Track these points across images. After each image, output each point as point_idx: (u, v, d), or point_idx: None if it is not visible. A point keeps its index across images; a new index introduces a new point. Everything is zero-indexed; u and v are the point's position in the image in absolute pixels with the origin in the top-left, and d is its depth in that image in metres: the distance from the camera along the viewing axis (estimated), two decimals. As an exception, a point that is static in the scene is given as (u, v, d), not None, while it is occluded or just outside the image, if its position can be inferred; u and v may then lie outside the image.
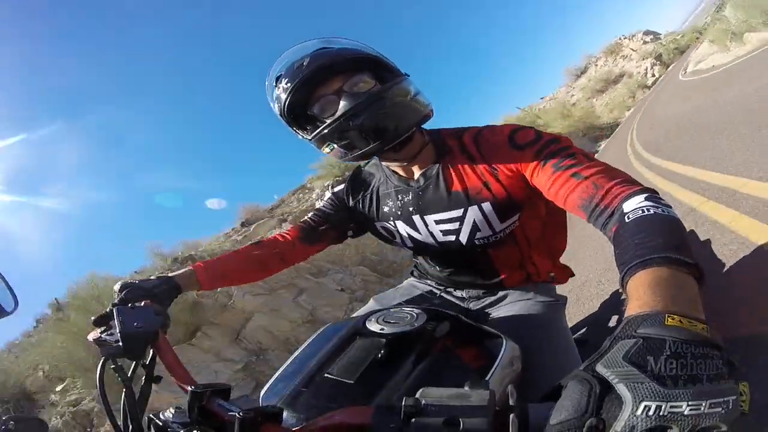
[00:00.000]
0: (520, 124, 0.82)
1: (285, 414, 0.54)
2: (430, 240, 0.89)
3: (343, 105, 0.75)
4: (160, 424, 0.57)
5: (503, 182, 0.79)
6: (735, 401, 0.30)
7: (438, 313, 0.72)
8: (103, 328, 0.70)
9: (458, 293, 1.01)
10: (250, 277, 1.00)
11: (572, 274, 1.03)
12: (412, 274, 1.13)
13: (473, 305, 0.99)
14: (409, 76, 0.82)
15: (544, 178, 0.71)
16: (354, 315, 0.88)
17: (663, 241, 0.49)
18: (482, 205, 0.81)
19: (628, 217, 0.55)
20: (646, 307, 0.40)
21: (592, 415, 0.31)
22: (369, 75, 0.79)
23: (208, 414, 0.55)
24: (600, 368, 0.33)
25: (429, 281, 1.06)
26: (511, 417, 0.34)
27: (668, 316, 0.35)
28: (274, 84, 0.82)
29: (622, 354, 0.33)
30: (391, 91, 0.76)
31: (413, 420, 0.35)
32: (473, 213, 0.82)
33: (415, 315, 0.68)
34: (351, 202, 0.97)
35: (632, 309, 0.42)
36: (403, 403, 0.35)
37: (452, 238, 0.87)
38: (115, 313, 0.66)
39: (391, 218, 0.92)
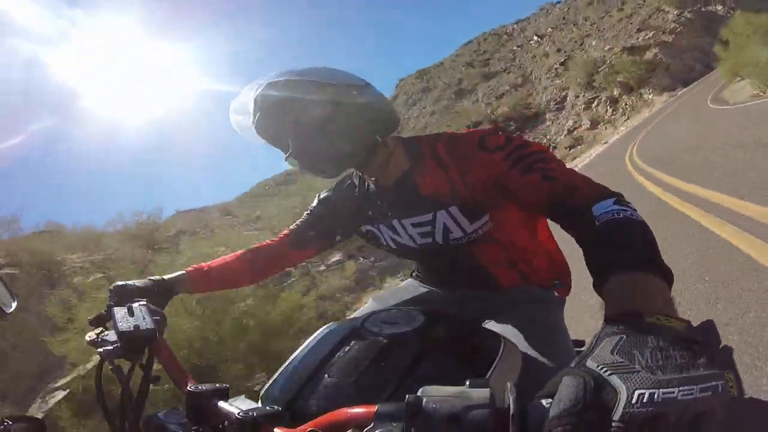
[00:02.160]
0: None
1: (284, 414, 0.54)
2: (411, 243, 0.92)
3: (291, 141, 0.80)
4: (158, 424, 0.57)
5: (471, 186, 0.80)
6: (724, 386, 0.31)
7: (437, 313, 0.72)
8: (100, 329, 0.70)
9: (458, 293, 1.01)
10: (240, 281, 1.03)
11: (570, 277, 1.03)
12: (412, 275, 1.14)
13: (472, 306, 0.99)
14: (365, 86, 0.83)
15: (512, 180, 0.72)
16: (353, 315, 0.88)
17: (635, 246, 0.52)
18: (450, 209, 0.83)
19: (598, 221, 0.56)
20: (624, 307, 0.41)
21: (589, 406, 0.31)
22: (320, 103, 0.79)
23: (207, 414, 0.54)
24: (590, 363, 0.34)
25: (429, 283, 1.07)
26: (510, 415, 0.34)
27: (647, 315, 0.37)
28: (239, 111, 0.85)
29: (609, 349, 0.34)
30: (338, 119, 0.79)
31: (415, 418, 0.35)
32: (442, 216, 0.84)
33: (414, 315, 0.68)
34: (336, 209, 0.99)
35: (611, 310, 0.44)
36: (405, 401, 0.35)
37: (429, 240, 0.89)
38: (112, 314, 0.66)
39: (375, 222, 0.94)
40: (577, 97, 30.11)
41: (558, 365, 0.73)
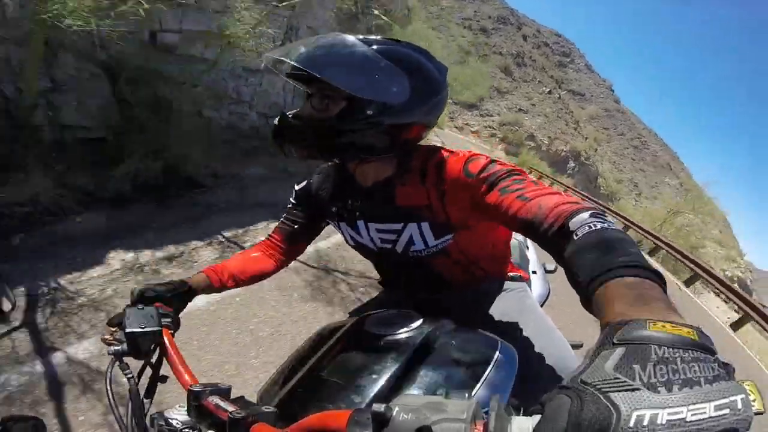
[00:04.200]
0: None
1: (279, 415, 0.54)
2: (371, 244, 0.93)
3: (298, 112, 0.79)
4: (163, 422, 0.59)
5: (447, 206, 0.80)
6: (744, 400, 0.26)
7: (435, 315, 0.70)
8: (114, 329, 0.73)
9: (420, 296, 1.03)
10: (255, 278, 1.03)
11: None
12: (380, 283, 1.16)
13: (435, 307, 1.00)
14: (391, 106, 0.76)
15: (490, 202, 0.71)
16: (350, 317, 0.88)
17: (620, 253, 0.47)
18: (421, 224, 0.83)
19: (576, 235, 0.53)
20: (622, 316, 0.37)
21: (576, 428, 0.28)
22: (343, 96, 0.75)
23: (207, 413, 0.55)
24: (584, 380, 0.30)
25: (387, 285, 1.10)
26: (489, 431, 0.31)
27: (650, 322, 0.33)
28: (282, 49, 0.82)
29: (606, 363, 0.30)
30: (342, 124, 0.76)
31: (384, 429, 0.33)
32: (410, 229, 0.85)
33: (412, 316, 0.66)
34: (310, 200, 1.00)
35: (608, 318, 0.39)
36: (372, 411, 0.33)
37: (389, 246, 0.90)
38: (125, 314, 0.69)
39: (336, 218, 0.95)
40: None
41: (553, 355, 0.69)
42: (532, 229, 0.63)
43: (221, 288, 0.95)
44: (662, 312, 0.37)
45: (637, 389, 0.27)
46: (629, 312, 0.37)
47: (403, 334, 0.62)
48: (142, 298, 0.78)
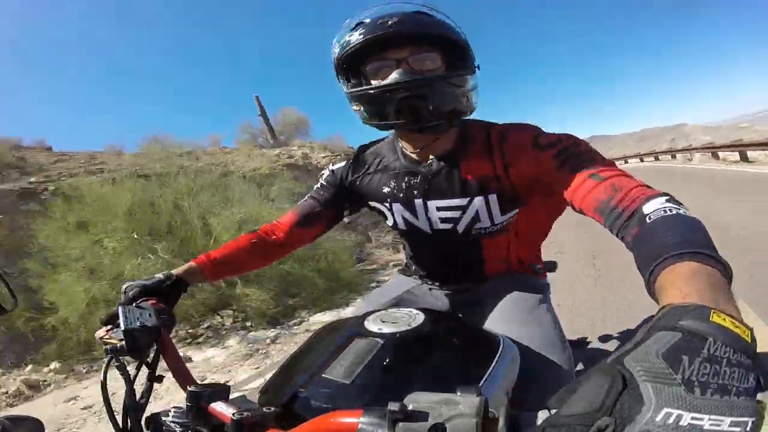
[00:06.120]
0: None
1: (281, 415, 0.53)
2: (426, 227, 0.90)
3: (392, 77, 0.75)
4: (160, 423, 0.58)
5: (515, 179, 0.80)
6: (754, 423, 0.26)
7: (436, 313, 0.71)
8: (109, 327, 0.72)
9: (444, 288, 1.01)
10: (251, 265, 1.01)
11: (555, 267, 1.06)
12: (399, 270, 1.14)
13: (459, 299, 0.99)
14: (478, 68, 0.82)
15: (562, 179, 0.72)
16: (351, 315, 0.87)
17: (693, 238, 0.48)
18: (488, 196, 0.82)
19: (650, 218, 0.54)
20: (688, 298, 0.37)
21: (606, 413, 0.28)
22: (440, 55, 0.78)
23: (206, 414, 0.55)
24: (629, 361, 0.30)
25: (415, 277, 1.07)
26: (500, 426, 0.32)
27: (714, 312, 0.32)
28: (351, 28, 0.80)
29: (657, 348, 0.30)
30: (446, 82, 0.76)
31: (399, 425, 0.34)
32: (478, 203, 0.83)
33: (413, 315, 0.67)
34: (350, 179, 0.97)
35: (673, 297, 0.39)
36: (388, 408, 0.34)
37: (449, 226, 0.87)
38: (119, 312, 0.68)
39: (389, 199, 0.92)
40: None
41: (549, 364, 0.71)
42: (603, 210, 0.63)
43: (215, 279, 0.94)
44: (726, 304, 0.37)
45: (676, 385, 0.28)
46: (694, 297, 0.37)
47: (405, 331, 0.63)
48: (136, 296, 0.77)
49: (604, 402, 0.28)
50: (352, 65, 0.82)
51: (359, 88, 0.79)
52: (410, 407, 0.35)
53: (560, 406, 0.30)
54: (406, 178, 0.89)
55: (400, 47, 0.76)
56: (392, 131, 0.93)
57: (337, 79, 0.86)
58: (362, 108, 0.81)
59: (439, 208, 0.86)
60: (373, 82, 0.79)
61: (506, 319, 0.83)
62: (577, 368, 1.09)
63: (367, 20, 0.77)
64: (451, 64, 0.80)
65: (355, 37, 0.77)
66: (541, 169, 0.75)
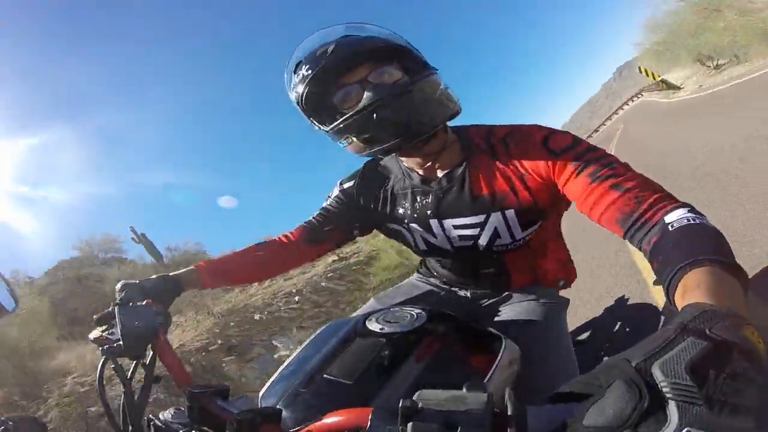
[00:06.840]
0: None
1: (283, 415, 0.53)
2: (446, 245, 0.86)
3: (367, 96, 0.71)
4: (160, 424, 0.57)
5: (531, 188, 0.75)
6: None
7: (438, 313, 0.72)
8: (104, 327, 0.70)
9: (462, 293, 0.99)
10: (251, 277, 0.99)
11: (575, 277, 1.01)
12: (417, 271, 1.10)
13: (476, 305, 0.98)
14: (438, 70, 0.77)
15: (578, 187, 0.67)
16: (354, 314, 0.88)
17: (715, 247, 0.48)
18: (506, 212, 0.78)
19: (672, 226, 0.54)
20: (717, 302, 0.36)
21: (629, 428, 0.28)
22: (396, 66, 0.75)
23: (207, 414, 0.54)
24: (656, 372, 0.29)
25: (433, 280, 1.04)
26: (509, 419, 0.33)
27: (747, 325, 0.31)
28: (293, 71, 0.77)
29: (687, 359, 0.29)
30: (418, 85, 0.72)
31: (410, 423, 0.34)
32: (495, 219, 0.79)
33: (415, 315, 0.67)
34: (361, 200, 0.93)
35: (701, 298, 0.39)
36: (401, 405, 0.35)
37: (469, 243, 0.83)
38: (116, 312, 0.66)
39: (405, 221, 0.88)
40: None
41: (555, 370, 0.72)
42: (625, 223, 0.61)
43: (211, 287, 0.91)
44: (746, 314, 0.36)
45: (699, 404, 0.27)
46: (724, 303, 0.37)
47: (408, 330, 0.63)
48: (129, 294, 0.76)
49: (630, 417, 0.28)
50: (317, 105, 0.77)
51: (341, 119, 0.73)
52: (421, 404, 0.35)
53: (583, 414, 0.30)
54: (418, 198, 0.85)
55: (354, 70, 0.73)
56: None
57: (312, 124, 0.81)
58: (354, 139, 0.75)
59: (456, 227, 0.83)
60: (349, 112, 0.73)
61: (516, 323, 0.82)
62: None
63: (305, 56, 0.75)
64: (409, 71, 0.76)
65: (304, 72, 0.73)
66: (557, 175, 0.71)
